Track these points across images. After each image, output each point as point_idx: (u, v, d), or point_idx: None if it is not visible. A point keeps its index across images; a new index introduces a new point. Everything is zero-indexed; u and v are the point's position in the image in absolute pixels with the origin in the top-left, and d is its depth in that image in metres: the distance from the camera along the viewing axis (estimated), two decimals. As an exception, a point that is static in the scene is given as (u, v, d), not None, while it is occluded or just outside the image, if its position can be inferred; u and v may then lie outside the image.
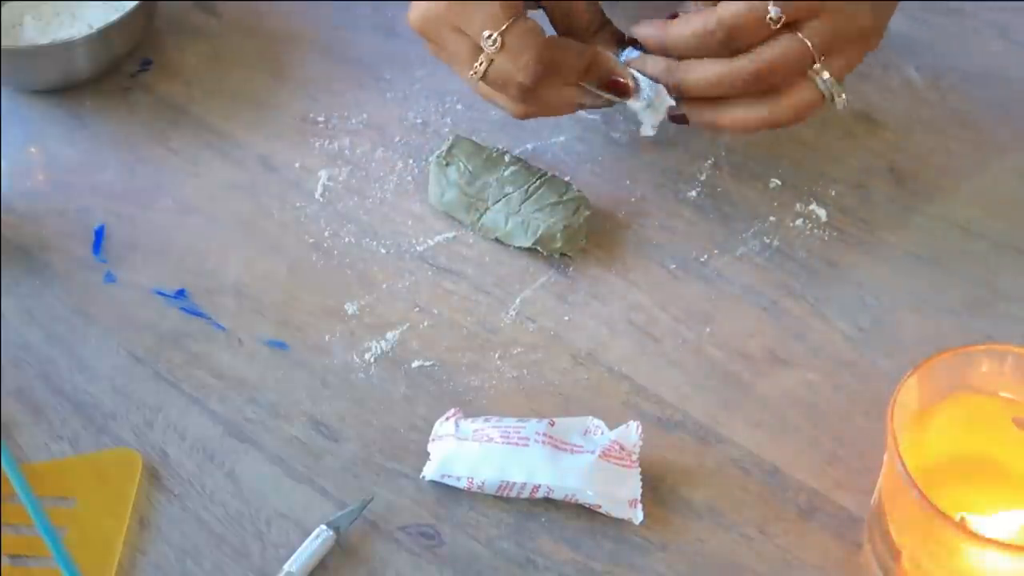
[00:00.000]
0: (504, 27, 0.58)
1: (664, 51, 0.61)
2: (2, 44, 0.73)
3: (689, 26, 0.60)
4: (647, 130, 0.64)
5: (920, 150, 0.69)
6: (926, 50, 0.75)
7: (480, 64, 0.60)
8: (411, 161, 0.71)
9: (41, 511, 0.39)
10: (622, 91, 0.62)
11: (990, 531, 0.47)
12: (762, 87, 0.59)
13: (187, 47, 0.79)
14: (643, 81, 0.62)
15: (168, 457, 0.58)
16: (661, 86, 0.62)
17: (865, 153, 0.69)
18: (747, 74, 0.59)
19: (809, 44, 0.58)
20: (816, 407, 0.58)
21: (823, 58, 0.59)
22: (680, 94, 0.62)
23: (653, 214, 0.67)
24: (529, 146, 0.71)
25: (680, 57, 0.61)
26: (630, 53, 0.63)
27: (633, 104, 0.63)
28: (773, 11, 0.57)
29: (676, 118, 0.63)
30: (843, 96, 0.60)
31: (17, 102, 0.76)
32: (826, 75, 0.59)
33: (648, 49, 0.62)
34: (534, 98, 0.61)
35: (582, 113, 0.72)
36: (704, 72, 0.60)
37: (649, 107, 0.62)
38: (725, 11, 0.58)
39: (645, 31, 0.62)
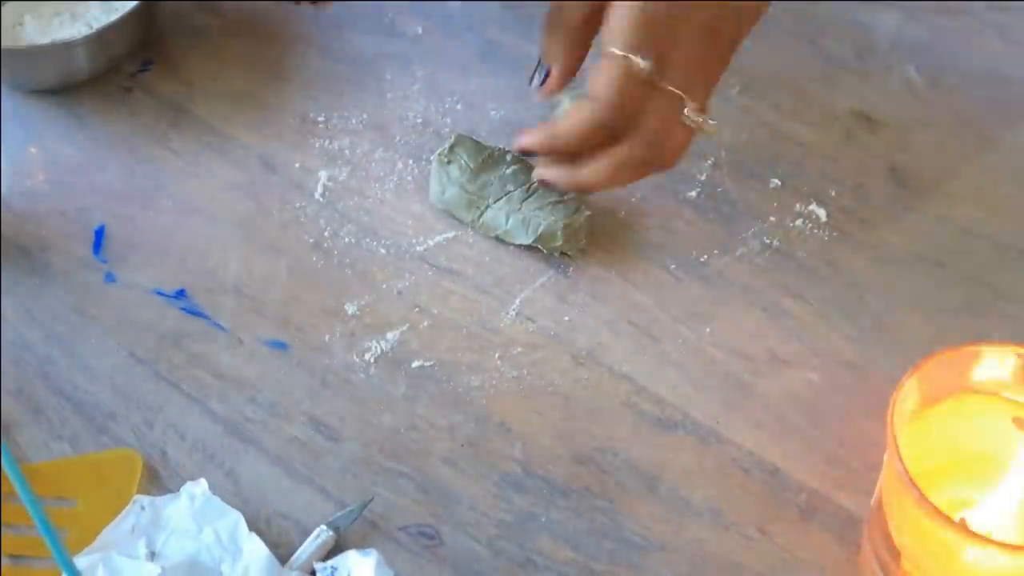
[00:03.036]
0: None
1: (554, 150, 0.58)
2: (2, 44, 0.73)
3: (571, 119, 0.56)
4: None
5: (920, 150, 0.69)
6: (926, 50, 0.75)
7: None
8: (411, 161, 0.71)
9: (41, 511, 0.39)
10: None
11: (990, 531, 0.47)
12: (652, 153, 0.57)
13: (188, 47, 0.79)
14: None
15: (168, 457, 0.58)
16: None
17: (865, 153, 0.69)
18: (640, 154, 0.56)
19: (678, 92, 0.55)
20: (816, 407, 0.58)
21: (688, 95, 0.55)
22: (586, 190, 0.61)
23: (653, 214, 0.67)
24: (529, 146, 0.71)
25: (565, 149, 0.58)
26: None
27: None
28: (643, 63, 0.53)
29: (543, 183, 0.60)
30: (711, 124, 0.56)
31: (17, 102, 0.76)
32: (692, 114, 0.55)
33: (540, 154, 0.59)
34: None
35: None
36: (600, 168, 0.57)
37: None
38: (596, 87, 0.55)
39: (530, 140, 0.59)
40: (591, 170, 0.58)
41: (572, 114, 0.57)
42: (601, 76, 0.54)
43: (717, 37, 0.56)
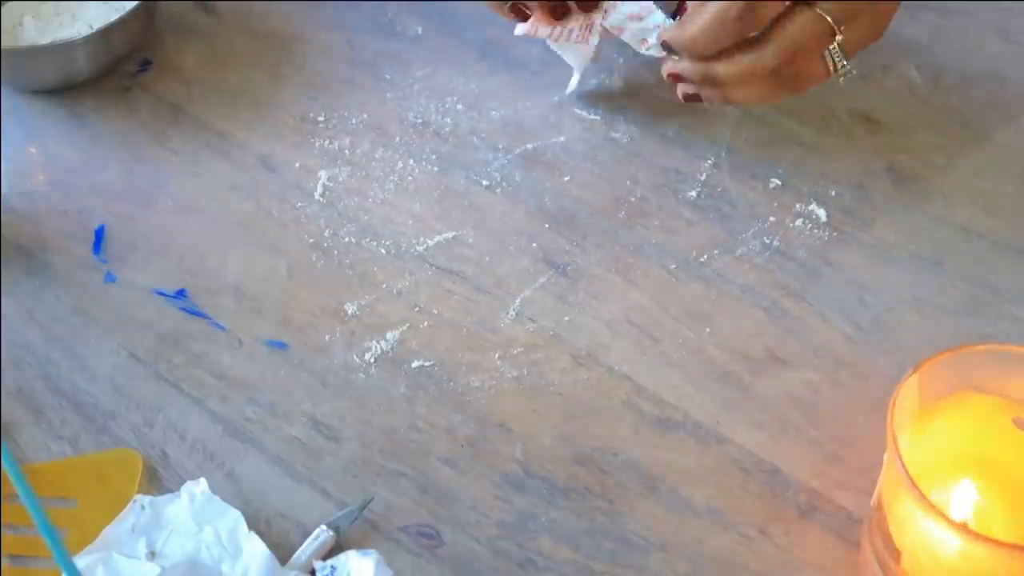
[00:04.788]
0: None
1: (687, 48, 0.61)
2: (2, 44, 0.73)
3: (704, 14, 0.59)
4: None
5: (920, 150, 0.69)
6: (926, 50, 0.75)
7: None
8: (411, 161, 0.71)
9: (41, 511, 0.39)
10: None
11: (990, 530, 0.47)
12: (786, 68, 0.60)
13: (187, 47, 0.79)
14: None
15: (168, 457, 0.58)
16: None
17: (865, 153, 0.69)
18: (773, 60, 0.59)
19: (828, 19, 0.57)
20: (816, 407, 0.58)
21: (841, 29, 0.58)
22: (715, 88, 0.62)
23: (653, 214, 0.67)
24: (529, 146, 0.71)
25: (702, 49, 0.61)
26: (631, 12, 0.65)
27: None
28: None
29: (689, 97, 0.64)
30: (847, 68, 0.60)
31: (17, 102, 0.76)
32: (835, 48, 0.59)
33: (674, 51, 0.62)
34: None
35: (582, 113, 0.72)
36: (735, 67, 0.60)
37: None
38: None
39: (669, 35, 0.62)
40: (724, 67, 0.60)
41: (704, 7, 0.58)
42: None
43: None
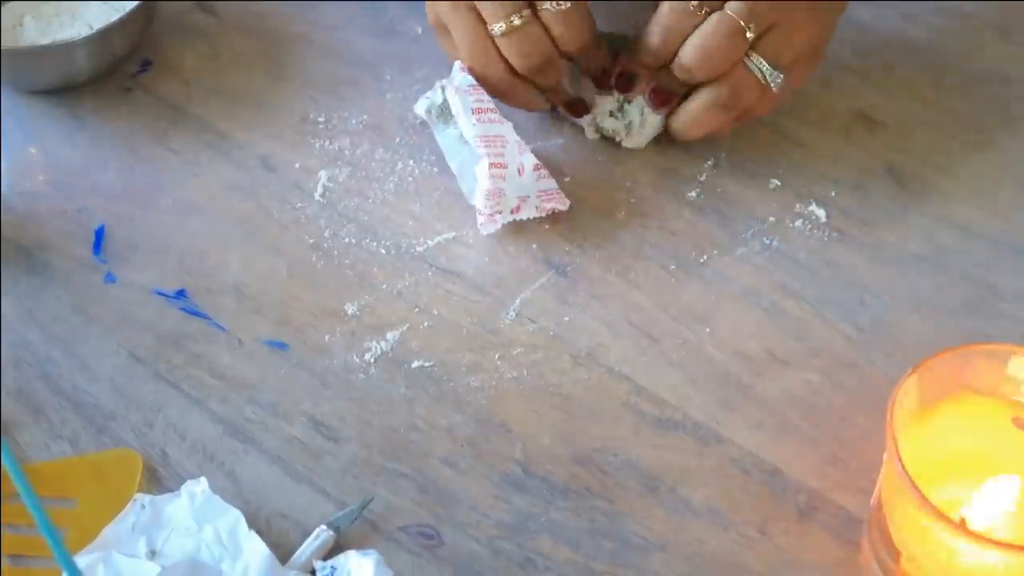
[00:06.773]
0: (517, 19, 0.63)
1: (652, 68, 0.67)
2: (2, 44, 0.73)
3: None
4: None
5: (920, 150, 0.69)
6: (926, 50, 0.75)
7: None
8: (411, 161, 0.71)
9: (42, 511, 0.39)
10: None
11: (990, 530, 0.47)
12: (702, 71, 0.63)
13: (187, 47, 0.79)
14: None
15: (168, 457, 0.58)
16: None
17: (865, 153, 0.69)
18: (684, 58, 0.63)
19: (735, 15, 0.61)
20: (816, 407, 0.58)
21: (755, 35, 0.62)
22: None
23: (653, 214, 0.67)
24: (529, 146, 0.71)
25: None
26: None
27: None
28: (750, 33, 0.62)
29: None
30: (778, 79, 0.64)
31: (17, 102, 0.76)
32: (757, 57, 0.63)
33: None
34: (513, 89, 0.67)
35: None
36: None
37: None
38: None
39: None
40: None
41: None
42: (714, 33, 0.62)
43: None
